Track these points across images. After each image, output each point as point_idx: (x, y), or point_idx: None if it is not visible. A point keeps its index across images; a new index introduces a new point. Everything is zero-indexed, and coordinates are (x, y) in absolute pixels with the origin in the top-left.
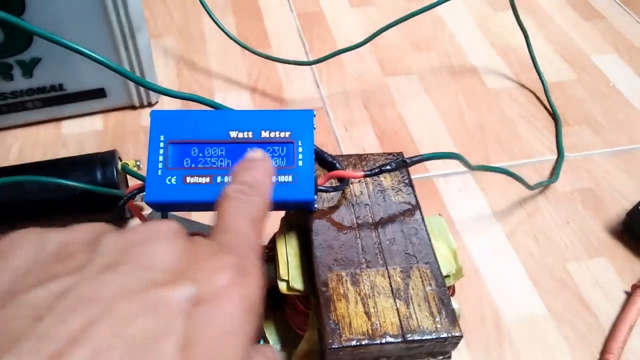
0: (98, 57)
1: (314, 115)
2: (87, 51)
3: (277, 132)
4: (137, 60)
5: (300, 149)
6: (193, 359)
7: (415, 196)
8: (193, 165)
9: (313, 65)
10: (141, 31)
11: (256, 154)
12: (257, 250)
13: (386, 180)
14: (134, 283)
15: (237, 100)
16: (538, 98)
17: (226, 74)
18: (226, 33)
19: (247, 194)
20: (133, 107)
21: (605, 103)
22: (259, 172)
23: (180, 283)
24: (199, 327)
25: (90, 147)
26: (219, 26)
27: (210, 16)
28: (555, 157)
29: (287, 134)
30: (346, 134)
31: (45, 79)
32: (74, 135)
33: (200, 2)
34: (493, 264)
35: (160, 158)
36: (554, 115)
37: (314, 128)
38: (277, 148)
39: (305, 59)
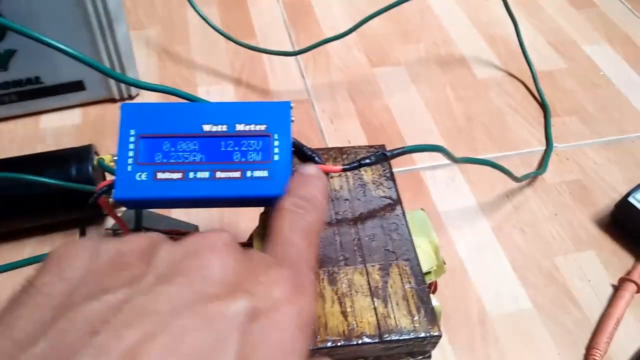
0: (72, 51)
1: (291, 107)
2: (61, 46)
3: (253, 125)
4: (115, 53)
5: (276, 143)
6: None
7: (396, 190)
8: (165, 161)
9: (298, 56)
10: (119, 22)
11: (311, 170)
12: (312, 266)
13: (367, 174)
14: (189, 296)
15: (221, 92)
16: (527, 88)
17: (210, 65)
18: (209, 24)
19: (304, 208)
20: (113, 100)
21: (596, 93)
22: (315, 188)
23: (236, 297)
24: (254, 344)
25: (69, 142)
26: (202, 17)
27: (193, 7)
28: (544, 148)
29: (263, 127)
30: (332, 127)
31: (21, 72)
32: (52, 129)
33: None
34: (479, 259)
35: (131, 153)
36: (543, 106)
37: (292, 120)
38: (252, 142)
39: (290, 47)
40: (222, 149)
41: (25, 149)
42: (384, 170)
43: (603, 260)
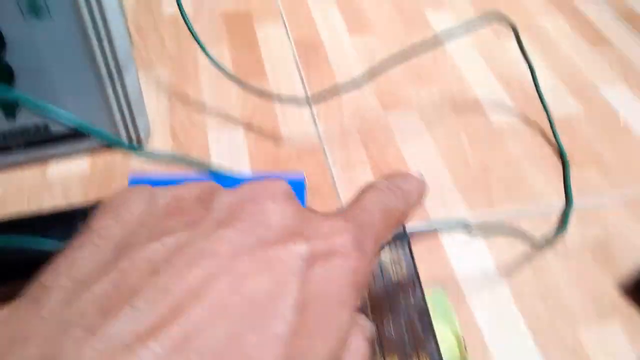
0: (80, 123)
1: (304, 185)
2: (71, 121)
3: None
4: (125, 100)
5: None
6: (307, 321)
7: (416, 271)
8: None
9: (310, 99)
10: (129, 71)
11: (416, 173)
12: (378, 239)
13: (384, 252)
14: (249, 239)
15: (231, 139)
16: (544, 135)
17: (220, 108)
18: (221, 68)
19: (395, 194)
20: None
21: (615, 141)
22: (413, 186)
23: (296, 241)
24: (312, 290)
25: (77, 192)
26: (212, 61)
27: (204, 50)
28: (563, 202)
29: None
30: (344, 176)
31: (29, 120)
32: (60, 178)
33: (192, 34)
34: (499, 333)
35: None
36: (561, 156)
37: (304, 197)
38: None
39: (302, 91)
40: None
41: (33, 199)
42: (403, 247)
43: (629, 332)
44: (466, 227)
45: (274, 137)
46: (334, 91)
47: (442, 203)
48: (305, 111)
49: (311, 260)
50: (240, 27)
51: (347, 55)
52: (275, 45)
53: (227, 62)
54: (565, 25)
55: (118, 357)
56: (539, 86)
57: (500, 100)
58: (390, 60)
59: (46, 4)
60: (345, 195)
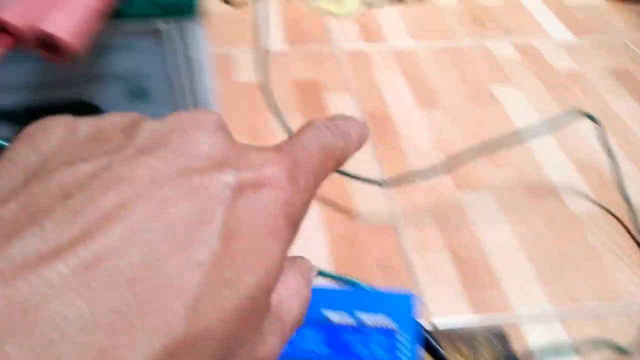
0: None
1: (412, 304)
2: None
3: (376, 318)
4: None
5: (401, 339)
6: (232, 251)
7: None
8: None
9: (383, 178)
10: None
11: (358, 118)
12: (314, 173)
13: (486, 349)
14: (173, 167)
15: (308, 213)
16: (624, 226)
17: None
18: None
19: (332, 131)
20: None
21: None
22: (353, 127)
23: (222, 170)
24: (239, 220)
25: None
26: (289, 132)
27: (281, 121)
28: None
29: (388, 320)
30: (418, 258)
31: None
32: None
33: (269, 102)
34: None
35: None
36: None
37: (413, 316)
38: (377, 336)
39: (374, 164)
40: (346, 341)
41: None
42: (504, 345)
43: None
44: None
45: (348, 212)
46: (407, 174)
47: (524, 294)
48: (378, 188)
49: (239, 190)
50: (310, 96)
51: (416, 129)
52: (344, 112)
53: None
54: None
55: (18, 275)
56: (618, 173)
57: (577, 186)
58: (468, 153)
59: (149, 89)
60: (422, 279)
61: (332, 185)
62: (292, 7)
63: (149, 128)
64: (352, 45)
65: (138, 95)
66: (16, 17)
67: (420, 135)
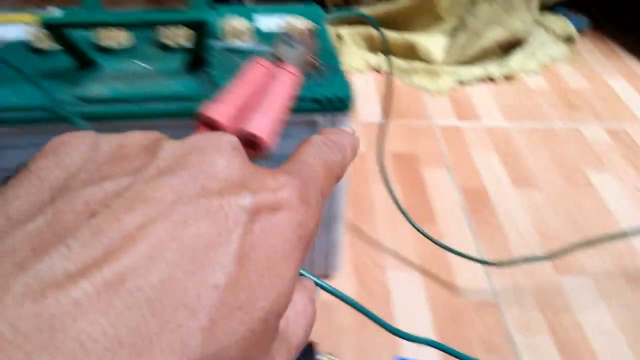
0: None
1: None
2: None
3: None
4: (327, 245)
5: None
6: (247, 274)
7: None
8: None
9: (483, 256)
10: (338, 220)
11: (348, 128)
12: (322, 190)
13: None
14: (192, 188)
15: (410, 282)
16: None
17: (395, 249)
18: (404, 213)
19: (331, 148)
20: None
21: None
22: (347, 140)
23: (239, 193)
24: (254, 242)
25: None
26: (399, 207)
27: (389, 188)
28: None
29: None
30: (523, 340)
31: None
32: None
33: (381, 172)
34: None
35: None
36: None
37: None
38: None
39: (472, 242)
40: None
41: None
42: None
43: None
44: None
45: (449, 286)
46: (503, 243)
47: None
48: (478, 266)
49: (255, 212)
50: (409, 169)
51: (513, 208)
52: (441, 190)
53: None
54: None
55: (47, 293)
56: None
57: None
58: (568, 240)
59: None
60: None
61: (433, 258)
62: (388, 81)
63: (169, 148)
64: (446, 122)
65: None
66: (224, 118)
67: (518, 214)
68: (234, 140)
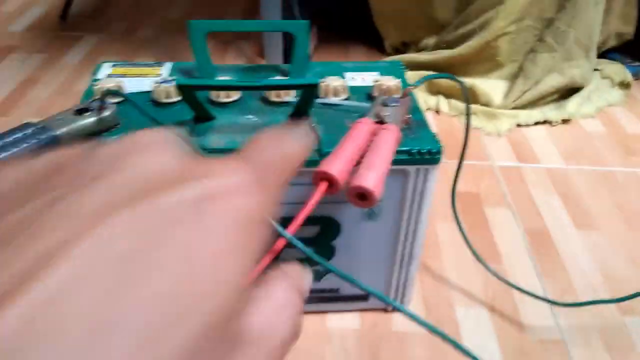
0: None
1: None
2: (366, 288)
3: None
4: (403, 283)
5: None
6: (192, 274)
7: None
8: None
9: (547, 289)
10: (416, 259)
11: (308, 125)
12: (280, 180)
13: None
14: (125, 192)
15: (477, 318)
16: None
17: (462, 286)
18: (472, 250)
19: (287, 138)
20: (385, 310)
21: None
22: (303, 131)
23: (182, 184)
24: (201, 235)
25: (353, 345)
26: (468, 244)
27: (461, 230)
28: None
29: None
30: None
31: (327, 284)
32: (337, 330)
33: (453, 211)
34: None
35: None
36: None
37: None
38: None
39: (537, 281)
40: None
41: (314, 346)
42: None
43: None
44: None
45: (516, 324)
46: (567, 282)
47: None
48: (544, 305)
49: (202, 200)
50: (472, 208)
51: (576, 249)
52: (505, 229)
53: (461, 240)
54: None
55: None
56: None
57: None
58: (633, 283)
59: (380, 212)
60: None
61: (500, 296)
62: (445, 120)
63: (104, 152)
64: (506, 163)
65: (370, 216)
66: (339, 174)
67: (581, 256)
68: (168, 134)
